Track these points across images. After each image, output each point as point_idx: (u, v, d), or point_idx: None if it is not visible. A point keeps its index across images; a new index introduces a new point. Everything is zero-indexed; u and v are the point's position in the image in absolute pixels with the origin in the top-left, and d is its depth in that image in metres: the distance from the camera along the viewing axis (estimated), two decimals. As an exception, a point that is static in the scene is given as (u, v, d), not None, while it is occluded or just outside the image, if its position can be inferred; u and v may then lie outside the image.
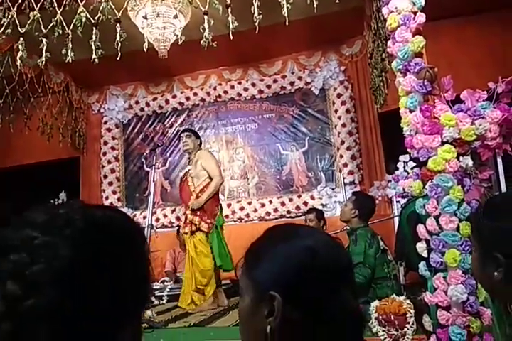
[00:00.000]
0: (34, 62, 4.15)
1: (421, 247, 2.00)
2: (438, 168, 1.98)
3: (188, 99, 5.74)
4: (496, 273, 0.78)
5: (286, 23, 2.51)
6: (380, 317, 2.03)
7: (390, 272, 2.66)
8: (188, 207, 3.60)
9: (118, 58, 2.76)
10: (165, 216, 5.42)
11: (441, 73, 2.17)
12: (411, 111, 2.14)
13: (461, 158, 2.05)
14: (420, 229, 2.02)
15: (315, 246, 0.66)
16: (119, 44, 2.74)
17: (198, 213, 3.57)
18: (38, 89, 4.58)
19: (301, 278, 0.63)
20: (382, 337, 2.04)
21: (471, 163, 2.05)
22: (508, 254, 0.77)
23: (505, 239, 0.78)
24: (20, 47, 2.89)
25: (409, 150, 2.17)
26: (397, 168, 4.22)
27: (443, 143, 2.04)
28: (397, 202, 4.27)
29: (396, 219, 3.98)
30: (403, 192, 3.99)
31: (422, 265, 2.01)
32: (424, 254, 1.98)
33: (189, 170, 3.80)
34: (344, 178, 5.06)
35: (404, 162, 4.24)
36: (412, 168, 3.92)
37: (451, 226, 1.91)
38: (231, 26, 2.64)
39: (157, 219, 5.30)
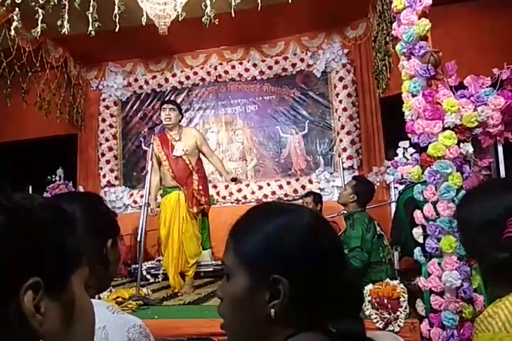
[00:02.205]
0: (32, 35, 4.07)
1: (417, 232, 2.00)
2: (438, 153, 1.97)
3: (187, 78, 5.66)
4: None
5: (289, 1, 2.43)
6: (374, 300, 2.05)
7: (385, 256, 2.67)
8: (195, 193, 3.49)
9: (116, 31, 2.71)
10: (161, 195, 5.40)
11: (446, 58, 2.13)
12: (413, 96, 2.11)
13: (461, 144, 2.04)
14: (417, 214, 2.02)
15: (315, 223, 0.63)
16: (117, 16, 2.68)
17: (203, 193, 3.53)
18: (36, 63, 4.51)
19: (305, 256, 0.59)
20: (374, 320, 2.07)
21: (471, 149, 2.03)
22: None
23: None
24: (15, 17, 2.83)
25: (409, 135, 2.15)
26: (397, 154, 4.21)
27: (444, 129, 2.02)
28: (394, 188, 4.26)
29: (393, 205, 3.99)
30: (401, 179, 4.01)
31: (417, 250, 2.01)
32: (420, 240, 1.99)
33: (183, 147, 3.57)
34: (343, 163, 5.04)
35: (403, 148, 4.22)
36: (411, 155, 3.91)
37: (449, 213, 1.91)
38: (233, 3, 2.57)
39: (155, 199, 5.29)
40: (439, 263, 1.92)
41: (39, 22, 2.93)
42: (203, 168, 3.73)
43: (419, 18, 2.09)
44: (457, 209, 0.86)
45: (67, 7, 2.77)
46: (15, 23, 3.05)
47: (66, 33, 2.75)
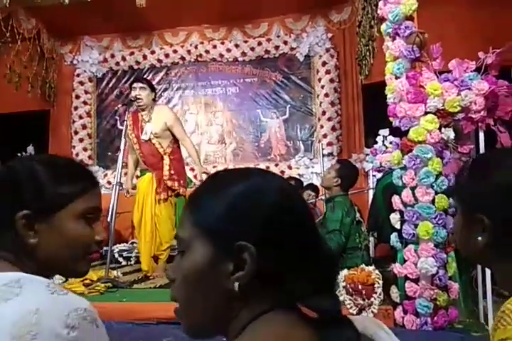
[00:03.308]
0: (2, 3, 3.83)
1: (394, 218, 1.97)
2: (419, 138, 1.92)
3: (167, 56, 5.48)
4: (479, 238, 0.71)
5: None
6: (348, 286, 2.02)
7: (362, 242, 2.65)
8: (165, 178, 3.34)
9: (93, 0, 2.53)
10: (137, 177, 5.28)
11: (431, 43, 2.07)
12: (397, 78, 2.05)
13: (443, 129, 2.00)
14: (395, 200, 1.98)
15: (286, 186, 0.55)
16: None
17: (175, 178, 3.37)
18: (5, 33, 4.26)
19: (275, 220, 0.51)
20: (348, 306, 2.04)
21: (452, 135, 2.00)
22: (494, 216, 0.70)
23: (491, 198, 0.70)
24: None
25: (391, 118, 2.09)
26: (376, 142, 4.18)
27: (426, 113, 1.97)
28: (373, 175, 4.25)
29: (371, 193, 3.98)
30: (380, 166, 3.99)
31: (393, 236, 1.98)
32: (397, 226, 1.96)
33: (151, 130, 3.35)
34: (323, 149, 4.99)
35: (383, 136, 4.19)
36: (390, 143, 3.88)
37: (427, 199, 1.87)
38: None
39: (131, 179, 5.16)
40: (416, 250, 1.89)
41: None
42: (180, 149, 3.55)
43: (406, -3, 2.01)
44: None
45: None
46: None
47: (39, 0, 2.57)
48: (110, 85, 5.64)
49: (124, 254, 4.01)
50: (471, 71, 2.02)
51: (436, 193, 1.90)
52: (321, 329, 0.50)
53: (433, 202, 1.89)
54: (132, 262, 3.94)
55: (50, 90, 5.34)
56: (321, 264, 0.53)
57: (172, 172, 3.37)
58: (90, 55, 5.54)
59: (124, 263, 3.96)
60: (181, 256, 0.55)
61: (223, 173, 0.59)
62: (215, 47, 5.39)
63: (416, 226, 1.89)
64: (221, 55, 5.41)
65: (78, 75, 5.59)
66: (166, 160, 3.37)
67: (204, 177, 3.27)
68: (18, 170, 0.77)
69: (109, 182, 5.29)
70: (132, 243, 4.18)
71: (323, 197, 3.71)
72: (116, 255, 3.92)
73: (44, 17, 4.89)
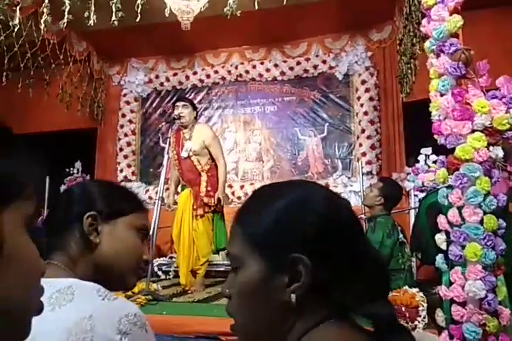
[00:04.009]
0: (57, 27, 4.10)
1: (440, 239, 1.91)
2: (466, 156, 1.87)
3: (208, 76, 5.64)
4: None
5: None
6: (390, 307, 1.95)
7: (405, 263, 2.56)
8: (202, 194, 3.41)
9: (140, 26, 2.68)
10: (177, 193, 5.38)
11: (475, 61, 2.04)
12: (442, 95, 2.02)
13: (491, 147, 1.93)
14: (441, 219, 1.92)
15: (331, 196, 0.56)
16: (140, 6, 2.65)
17: (212, 194, 3.43)
18: (59, 56, 4.53)
19: (326, 230, 0.52)
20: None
21: (501, 153, 1.93)
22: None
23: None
24: (45, 10, 2.83)
25: (436, 136, 2.05)
26: (418, 161, 4.10)
27: (473, 131, 1.92)
28: (414, 195, 4.14)
29: (412, 213, 3.88)
30: (422, 186, 3.90)
31: (439, 257, 1.91)
32: (443, 246, 1.89)
33: (191, 147, 3.45)
34: (362, 168, 4.93)
35: (425, 155, 4.11)
36: (433, 162, 3.79)
37: (475, 219, 1.80)
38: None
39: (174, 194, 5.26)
40: (463, 272, 1.82)
41: (66, 13, 2.93)
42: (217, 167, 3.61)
43: (450, 15, 2.00)
44: None
45: None
46: (45, 16, 3.05)
47: (92, 24, 2.74)
48: (154, 105, 5.85)
49: (163, 268, 4.07)
50: (520, 88, 1.96)
51: (485, 213, 1.83)
52: (379, 338, 0.50)
53: (481, 222, 1.82)
54: (171, 276, 3.99)
55: (98, 109, 5.60)
56: (372, 273, 0.53)
57: (209, 188, 3.42)
58: (136, 76, 5.79)
59: (162, 277, 4.01)
60: (235, 272, 0.55)
61: (268, 188, 0.61)
62: (254, 67, 5.51)
63: (463, 247, 1.82)
64: (260, 75, 5.51)
65: (125, 95, 5.84)
66: (204, 177, 3.44)
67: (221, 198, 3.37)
68: (87, 183, 0.89)
69: (150, 198, 5.42)
70: (171, 257, 4.24)
71: (362, 216, 3.64)
72: (156, 269, 3.98)
73: (94, 40, 5.17)
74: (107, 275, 0.81)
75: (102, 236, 0.81)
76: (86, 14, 2.94)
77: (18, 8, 3.24)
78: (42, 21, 3.08)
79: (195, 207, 3.40)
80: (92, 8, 2.92)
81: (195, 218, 3.40)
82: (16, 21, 3.23)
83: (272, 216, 0.53)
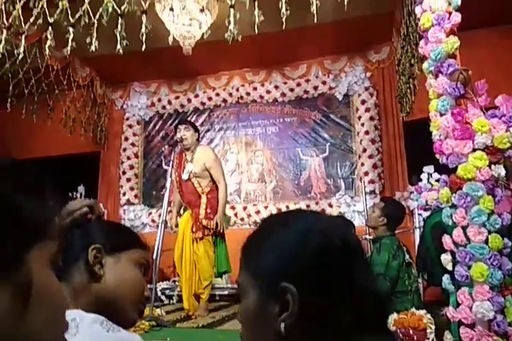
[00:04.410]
0: (61, 54, 4.19)
1: (446, 259, 1.88)
2: (468, 175, 1.87)
3: (210, 99, 5.71)
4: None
5: (315, 21, 2.42)
6: (398, 330, 1.92)
7: (411, 284, 2.52)
8: (201, 216, 3.39)
9: (142, 51, 2.72)
10: (180, 215, 5.36)
11: (473, 81, 2.06)
12: (441, 115, 2.04)
13: (492, 166, 1.94)
14: (446, 239, 1.90)
15: (320, 227, 0.58)
16: (144, 35, 2.71)
17: (212, 217, 3.40)
18: (63, 82, 4.62)
19: (313, 262, 0.54)
20: (398, 353, 1.93)
21: (503, 172, 1.93)
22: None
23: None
24: (48, 36, 2.90)
25: (437, 155, 2.06)
26: (421, 180, 4.09)
27: (474, 150, 1.93)
28: (418, 214, 4.12)
29: (417, 232, 3.84)
30: (426, 205, 3.88)
31: (445, 278, 1.89)
32: (449, 267, 1.87)
33: (191, 169, 3.46)
34: (365, 187, 4.92)
35: (428, 173, 4.11)
36: (436, 180, 3.78)
37: (480, 238, 1.79)
38: (257, 20, 2.58)
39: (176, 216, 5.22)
40: (470, 293, 1.79)
41: (69, 41, 2.99)
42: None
43: (447, 36, 2.04)
44: None
45: (95, 25, 2.82)
46: (48, 42, 3.12)
47: (94, 50, 2.80)
48: (157, 128, 5.91)
49: (167, 292, 4.02)
50: (519, 107, 1.98)
51: (490, 232, 1.82)
52: None
53: (486, 242, 1.81)
54: (174, 301, 3.93)
55: (102, 133, 5.66)
56: (367, 303, 0.54)
57: (208, 211, 3.39)
58: (139, 99, 5.87)
59: (166, 301, 3.96)
60: (242, 300, 0.59)
61: (269, 220, 0.65)
62: (255, 89, 5.58)
63: (469, 267, 1.79)
64: (261, 97, 5.58)
65: (127, 119, 5.91)
66: (203, 199, 3.43)
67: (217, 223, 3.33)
68: (92, 223, 0.93)
69: (153, 221, 5.41)
70: (174, 281, 4.19)
71: (367, 236, 3.61)
72: (159, 293, 3.93)
73: (97, 65, 5.27)
74: (108, 309, 0.81)
75: (105, 269, 0.83)
76: (88, 40, 3.00)
77: (23, 36, 3.31)
78: (46, 47, 3.14)
79: (194, 229, 3.38)
80: (94, 35, 2.98)
81: (195, 241, 3.37)
82: (21, 49, 3.30)
83: (267, 249, 0.57)
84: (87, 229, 0.88)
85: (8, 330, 0.35)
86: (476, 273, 1.77)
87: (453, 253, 1.88)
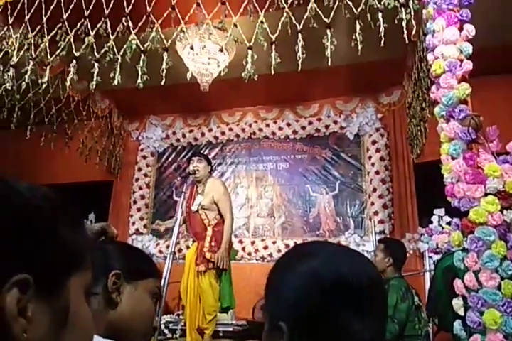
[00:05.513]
0: (82, 86, 4.36)
1: (457, 304, 1.85)
2: (480, 219, 1.87)
3: (223, 133, 5.83)
4: None
5: (329, 63, 2.52)
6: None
7: (421, 328, 2.45)
8: (205, 249, 3.35)
9: (162, 84, 2.83)
10: (188, 247, 5.34)
11: (484, 126, 2.11)
12: (453, 159, 2.07)
13: (505, 211, 1.94)
14: (457, 284, 1.88)
15: (318, 269, 0.62)
16: (165, 71, 2.83)
17: (216, 250, 3.36)
18: (82, 112, 4.77)
19: (305, 305, 0.60)
20: None
21: (516, 217, 1.93)
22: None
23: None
24: (72, 69, 3.03)
25: (449, 198, 2.07)
26: (431, 222, 4.05)
27: (486, 195, 1.94)
28: (429, 257, 4.06)
29: (427, 275, 3.77)
30: (436, 248, 3.83)
31: (457, 323, 1.85)
32: (461, 312, 1.83)
33: (200, 202, 3.48)
34: (374, 226, 4.88)
35: (439, 216, 4.07)
36: (447, 223, 3.75)
37: (492, 284, 1.77)
38: (273, 62, 2.69)
39: (179, 250, 5.21)
40: (483, 340, 1.75)
41: (94, 75, 3.11)
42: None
43: (458, 83, 2.11)
44: None
45: (119, 61, 2.96)
46: (71, 75, 3.25)
47: (117, 83, 2.91)
48: (170, 159, 6.01)
49: (170, 326, 3.93)
50: (530, 153, 2.00)
51: (502, 278, 1.80)
52: None
53: (499, 287, 1.78)
54: (177, 335, 3.84)
55: (116, 163, 5.77)
56: None
57: (213, 244, 3.37)
58: (154, 132, 6.02)
59: (169, 335, 3.86)
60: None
61: (278, 262, 0.70)
62: (268, 125, 5.70)
63: (481, 313, 1.76)
64: (273, 133, 5.68)
65: (142, 150, 6.03)
66: (209, 232, 3.42)
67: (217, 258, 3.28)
68: (110, 246, 0.94)
69: (160, 252, 5.38)
70: (178, 315, 4.11)
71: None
72: (163, 326, 3.85)
73: (116, 98, 5.46)
74: (120, 336, 0.82)
75: (122, 296, 0.84)
76: (111, 75, 3.12)
77: (48, 67, 3.46)
78: (68, 79, 3.27)
79: (198, 262, 3.34)
80: (118, 69, 3.10)
81: (199, 274, 3.34)
82: (45, 79, 3.43)
83: (273, 293, 0.66)
84: (106, 252, 0.88)
85: None
86: (489, 320, 1.73)
87: (464, 298, 1.85)
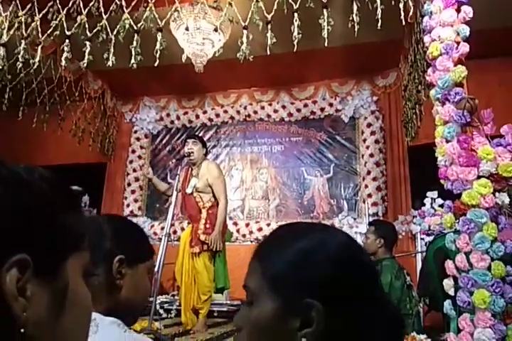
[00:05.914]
0: (75, 66, 4.29)
1: (448, 284, 1.89)
2: (472, 202, 1.90)
3: (217, 115, 5.79)
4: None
5: (326, 44, 2.49)
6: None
7: (413, 308, 2.51)
8: (200, 231, 3.37)
9: (155, 67, 2.79)
10: (182, 229, 5.37)
11: (480, 109, 2.11)
12: (447, 141, 2.08)
13: (497, 194, 1.96)
14: (449, 264, 1.91)
15: (350, 243, 0.58)
16: (158, 52, 2.79)
17: (210, 232, 3.38)
18: (75, 93, 4.70)
19: (343, 278, 0.53)
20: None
21: (507, 200, 1.95)
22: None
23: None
24: (65, 48, 2.97)
25: (442, 181, 2.09)
26: (424, 204, 4.10)
27: (479, 177, 1.96)
28: (421, 239, 4.12)
29: (419, 256, 3.84)
30: (428, 229, 3.87)
31: (447, 303, 1.89)
32: (451, 292, 1.87)
33: (195, 184, 3.48)
34: (368, 209, 4.93)
35: (431, 199, 4.11)
36: (439, 206, 3.80)
37: (483, 265, 1.80)
38: (269, 42, 2.66)
39: (174, 231, 5.24)
40: (471, 319, 1.79)
41: (86, 55, 3.06)
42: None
43: (455, 65, 2.10)
44: None
45: (113, 41, 2.90)
46: (65, 55, 3.19)
47: (111, 65, 2.87)
48: (164, 141, 5.98)
49: (165, 306, 3.99)
50: (524, 136, 2.02)
51: (492, 259, 1.83)
52: None
53: (489, 268, 1.82)
54: (173, 315, 3.90)
55: (109, 145, 5.73)
56: (387, 320, 0.54)
57: (207, 226, 3.39)
58: (148, 113, 5.96)
59: (164, 315, 3.93)
60: (249, 306, 0.56)
61: (289, 228, 0.62)
62: (263, 108, 5.66)
63: (471, 293, 1.80)
64: (268, 116, 5.65)
65: (135, 132, 5.99)
66: (204, 214, 3.44)
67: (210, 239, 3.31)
68: (112, 220, 0.96)
69: (155, 233, 5.41)
70: (173, 295, 4.16)
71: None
72: (158, 306, 3.90)
73: (109, 79, 5.37)
74: (121, 313, 0.84)
75: (124, 280, 0.86)
76: (105, 55, 3.07)
77: (39, 47, 3.39)
78: (62, 59, 3.22)
79: (192, 244, 3.37)
80: (111, 50, 3.05)
81: (194, 255, 3.37)
82: (37, 59, 3.37)
83: (291, 258, 0.55)
84: (105, 234, 0.87)
85: (45, 329, 0.38)
86: (478, 299, 1.78)
87: (455, 279, 1.89)
